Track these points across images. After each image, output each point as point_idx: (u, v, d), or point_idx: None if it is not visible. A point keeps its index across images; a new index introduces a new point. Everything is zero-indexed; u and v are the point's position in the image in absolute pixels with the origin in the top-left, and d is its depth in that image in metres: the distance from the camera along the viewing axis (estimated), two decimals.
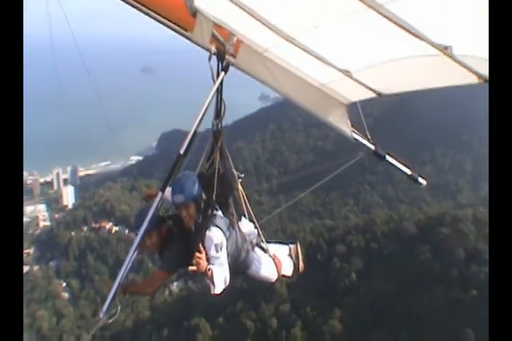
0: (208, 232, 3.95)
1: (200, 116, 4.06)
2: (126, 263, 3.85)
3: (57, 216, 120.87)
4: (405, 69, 3.38)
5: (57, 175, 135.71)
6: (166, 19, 3.93)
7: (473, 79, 3.06)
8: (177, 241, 4.18)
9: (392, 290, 56.83)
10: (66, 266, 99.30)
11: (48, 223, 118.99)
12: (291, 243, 5.16)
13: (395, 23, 2.47)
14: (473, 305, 49.13)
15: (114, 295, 3.73)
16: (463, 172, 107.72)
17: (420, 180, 5.04)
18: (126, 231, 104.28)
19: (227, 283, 3.86)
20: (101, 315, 3.64)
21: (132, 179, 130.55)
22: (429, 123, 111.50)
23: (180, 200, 4.04)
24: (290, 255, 5.01)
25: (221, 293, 3.78)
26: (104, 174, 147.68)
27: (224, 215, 4.23)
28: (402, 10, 2.35)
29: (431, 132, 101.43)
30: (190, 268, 3.69)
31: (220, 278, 3.77)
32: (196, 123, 4.05)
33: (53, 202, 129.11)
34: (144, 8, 3.77)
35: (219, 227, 4.03)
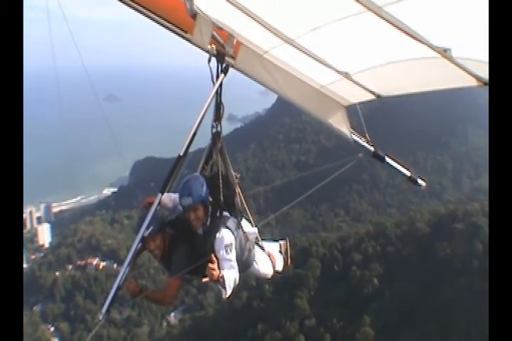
0: (217, 234, 3.95)
1: (200, 117, 4.05)
2: (125, 265, 3.77)
3: (33, 257, 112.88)
4: (404, 71, 3.37)
5: (30, 213, 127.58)
6: (166, 21, 3.90)
7: (472, 82, 3.03)
8: (182, 246, 4.11)
9: (417, 289, 57.32)
10: (52, 308, 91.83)
11: (25, 265, 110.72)
12: (281, 239, 5.41)
13: (394, 25, 2.46)
14: None
15: (114, 296, 3.63)
16: (445, 172, 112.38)
17: (419, 181, 5.06)
18: (115, 265, 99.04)
19: (237, 283, 3.90)
20: (100, 317, 3.56)
21: (111, 211, 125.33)
22: (410, 129, 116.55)
23: (188, 202, 3.97)
24: (280, 251, 5.26)
25: (230, 296, 3.82)
26: (79, 209, 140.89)
27: (231, 215, 4.23)
28: (402, 12, 2.33)
29: (412, 137, 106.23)
30: (204, 279, 3.72)
31: (231, 281, 3.80)
32: (196, 125, 4.05)
33: (28, 242, 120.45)
34: (143, 10, 3.76)
35: (229, 228, 4.04)
